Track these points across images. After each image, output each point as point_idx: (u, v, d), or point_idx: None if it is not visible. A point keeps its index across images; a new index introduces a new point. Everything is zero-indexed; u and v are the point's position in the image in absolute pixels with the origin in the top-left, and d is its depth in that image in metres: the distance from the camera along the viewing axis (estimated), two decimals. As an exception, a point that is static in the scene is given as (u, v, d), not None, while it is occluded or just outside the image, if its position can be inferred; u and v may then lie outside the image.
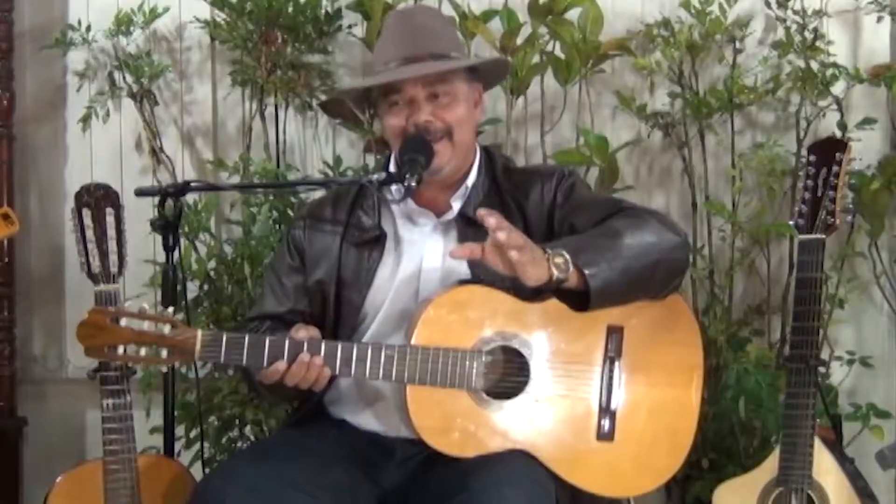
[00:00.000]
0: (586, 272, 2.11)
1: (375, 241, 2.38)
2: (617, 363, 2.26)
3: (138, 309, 2.15)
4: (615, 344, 2.26)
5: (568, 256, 2.10)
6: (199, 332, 2.15)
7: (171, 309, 2.21)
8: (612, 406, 2.25)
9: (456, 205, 2.37)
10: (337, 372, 2.19)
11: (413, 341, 2.19)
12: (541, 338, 2.23)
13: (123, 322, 2.13)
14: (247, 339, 2.17)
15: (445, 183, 2.38)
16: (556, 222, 2.34)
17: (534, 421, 2.21)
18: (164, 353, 2.14)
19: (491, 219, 2.03)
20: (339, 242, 2.40)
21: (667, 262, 2.22)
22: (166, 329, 2.14)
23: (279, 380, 2.18)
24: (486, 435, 2.19)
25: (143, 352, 2.14)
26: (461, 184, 2.39)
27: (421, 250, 2.35)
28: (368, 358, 2.18)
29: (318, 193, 2.65)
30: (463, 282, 2.28)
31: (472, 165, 2.40)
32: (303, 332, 2.20)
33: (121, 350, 2.14)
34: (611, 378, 2.25)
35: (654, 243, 2.21)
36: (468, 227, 2.34)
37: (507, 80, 3.16)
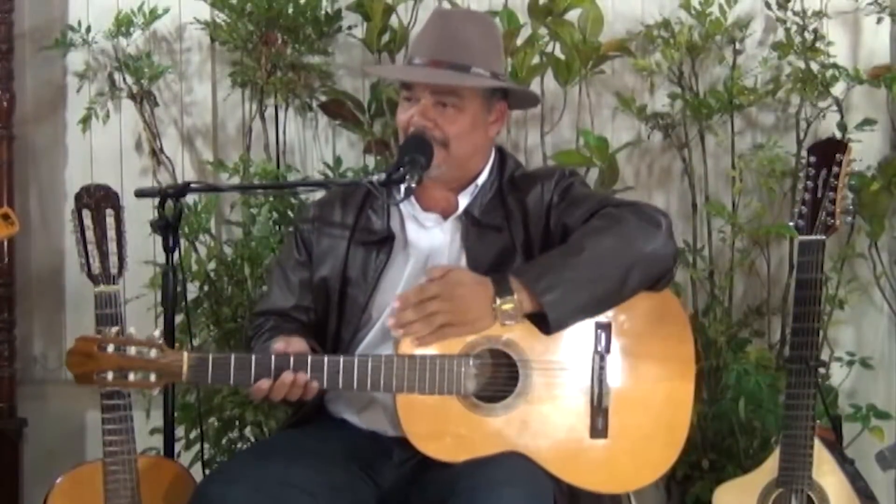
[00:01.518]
0: (542, 301, 2.15)
1: (383, 242, 2.38)
2: (606, 359, 2.25)
3: (125, 334, 2.18)
4: (604, 340, 2.26)
5: (516, 299, 2.16)
6: (185, 355, 2.17)
7: (157, 332, 2.21)
8: (605, 403, 2.24)
9: (463, 203, 2.38)
10: (325, 386, 2.19)
11: (400, 348, 2.19)
12: (528, 339, 2.22)
13: (110, 349, 2.16)
14: (232, 359, 2.17)
15: (452, 184, 2.38)
16: (551, 222, 2.34)
17: (526, 422, 2.21)
18: (153, 376, 2.17)
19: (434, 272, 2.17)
20: (346, 241, 2.41)
21: (644, 264, 2.22)
22: (152, 353, 2.16)
23: (265, 397, 2.19)
24: (479, 439, 2.19)
25: (131, 377, 2.16)
26: (471, 183, 2.39)
27: (428, 251, 2.36)
28: (355, 370, 2.18)
29: (319, 194, 2.65)
30: None
31: (483, 168, 2.41)
32: (280, 345, 2.20)
33: (110, 376, 2.16)
34: (601, 375, 2.25)
35: (623, 248, 2.21)
36: (472, 226, 2.35)
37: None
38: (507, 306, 2.16)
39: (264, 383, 2.17)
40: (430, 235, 2.38)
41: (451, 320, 2.15)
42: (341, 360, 2.19)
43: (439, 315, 2.14)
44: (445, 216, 2.39)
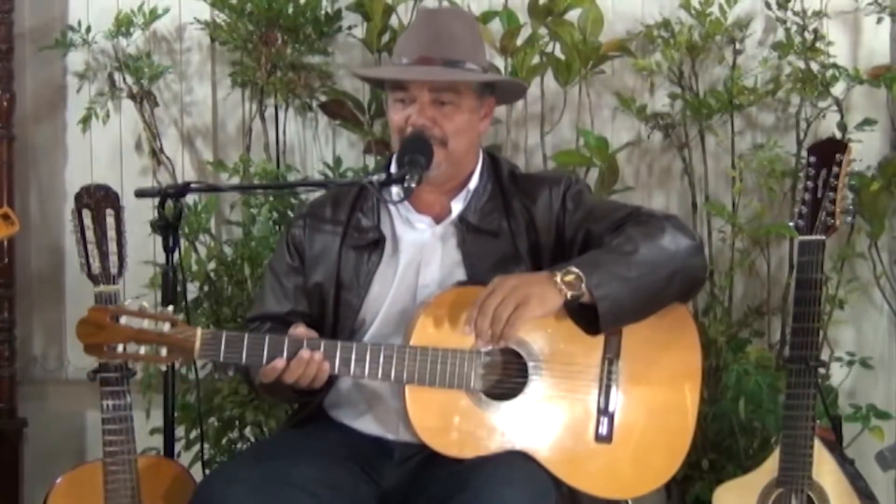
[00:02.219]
0: (596, 294, 2.12)
1: (374, 244, 2.37)
2: (615, 364, 2.26)
3: (138, 307, 2.16)
4: (614, 345, 2.26)
5: (579, 272, 2.12)
6: (199, 331, 2.16)
7: (171, 307, 2.21)
8: (611, 407, 2.25)
9: (456, 208, 2.37)
10: (336, 371, 2.19)
11: (411, 342, 2.19)
12: (539, 339, 2.23)
13: (123, 320, 2.14)
14: (246, 337, 2.17)
15: (445, 187, 2.37)
16: (566, 229, 2.33)
17: (532, 422, 2.21)
18: (164, 351, 2.15)
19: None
20: (338, 245, 2.40)
21: (683, 273, 2.22)
22: (166, 327, 2.15)
23: (278, 377, 2.18)
24: (485, 436, 2.19)
25: (142, 350, 2.15)
26: (462, 187, 2.38)
27: (419, 253, 2.35)
28: (367, 358, 2.18)
29: (318, 194, 2.65)
30: (460, 284, 2.29)
31: (473, 170, 2.40)
32: (301, 330, 2.20)
33: (120, 348, 2.14)
34: (609, 379, 2.25)
35: (669, 254, 2.21)
36: (468, 232, 2.34)
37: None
38: (569, 277, 2.12)
39: (279, 362, 2.16)
40: (421, 238, 2.37)
41: (518, 301, 2.09)
42: (354, 346, 2.20)
43: (504, 304, 2.09)
44: (438, 220, 2.38)
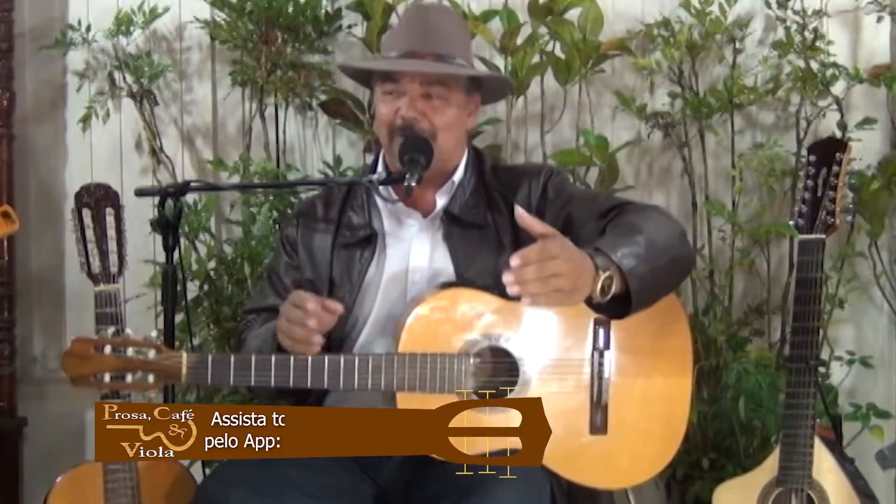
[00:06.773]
0: (629, 275, 2.04)
1: (366, 241, 2.38)
2: (606, 355, 2.26)
3: (123, 334, 2.15)
4: (603, 336, 2.26)
5: (612, 273, 2.02)
6: (185, 355, 2.14)
7: (154, 333, 2.19)
8: (604, 399, 2.26)
9: (441, 201, 2.37)
10: (326, 385, 2.18)
11: (400, 348, 2.20)
12: (528, 336, 2.23)
13: (107, 350, 2.13)
14: (232, 358, 2.16)
15: (431, 181, 2.37)
16: (546, 215, 2.31)
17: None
18: (151, 377, 2.14)
19: (536, 226, 2.00)
20: (330, 244, 2.40)
21: (681, 257, 2.20)
22: (151, 354, 2.13)
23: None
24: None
25: (129, 378, 2.13)
26: (447, 180, 2.38)
27: (408, 250, 2.36)
28: (356, 369, 2.17)
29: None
30: (446, 284, 2.29)
31: (458, 163, 2.40)
32: (311, 304, 2.13)
33: (107, 378, 2.13)
34: (601, 371, 2.26)
35: (668, 240, 2.16)
36: (453, 225, 2.35)
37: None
38: (607, 282, 2.01)
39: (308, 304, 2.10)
40: (410, 234, 2.38)
41: (564, 286, 1.96)
42: (341, 359, 2.19)
43: (558, 278, 1.96)
44: (426, 215, 2.38)
